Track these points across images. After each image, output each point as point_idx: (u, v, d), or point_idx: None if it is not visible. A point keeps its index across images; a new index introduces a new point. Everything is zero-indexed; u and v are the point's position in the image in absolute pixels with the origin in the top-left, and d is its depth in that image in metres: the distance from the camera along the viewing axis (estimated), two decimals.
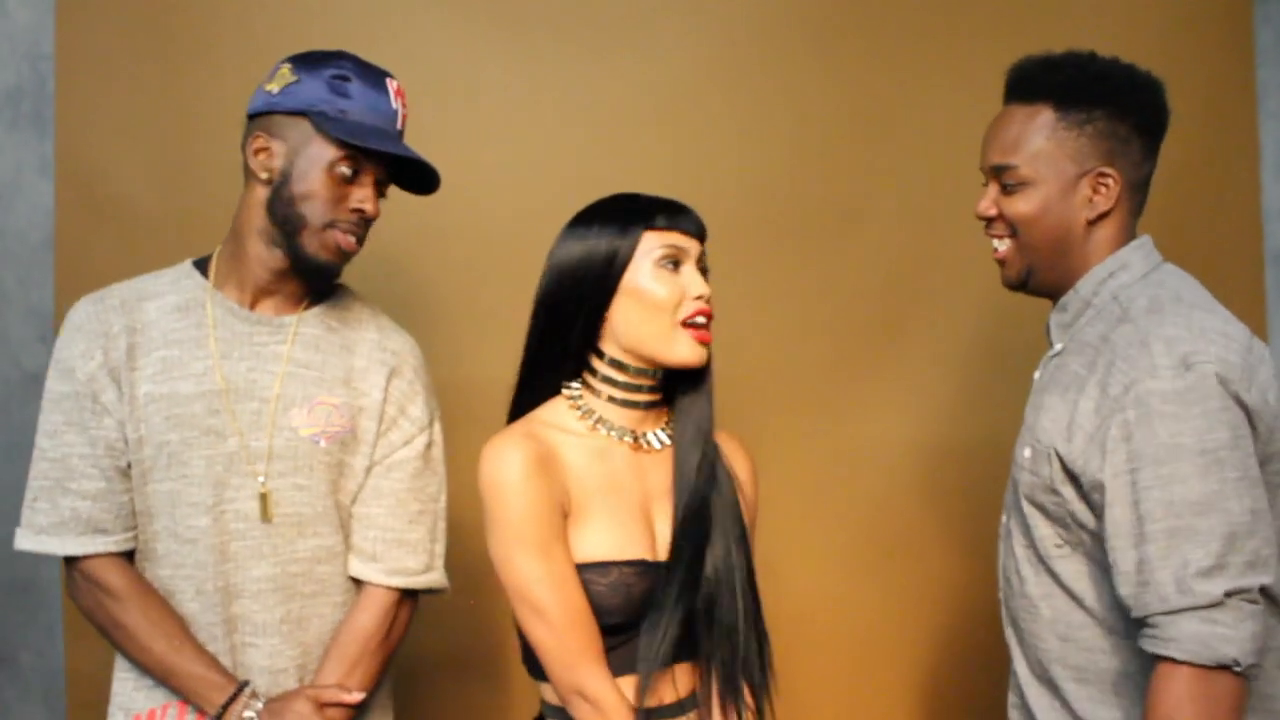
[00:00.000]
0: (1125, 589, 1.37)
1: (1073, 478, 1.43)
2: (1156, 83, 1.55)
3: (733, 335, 2.38)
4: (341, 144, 1.61)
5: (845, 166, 2.42)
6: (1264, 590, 1.35)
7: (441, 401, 1.82)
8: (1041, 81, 1.54)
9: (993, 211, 1.56)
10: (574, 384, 1.60)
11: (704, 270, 1.59)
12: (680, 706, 1.57)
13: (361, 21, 2.34)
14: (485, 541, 1.51)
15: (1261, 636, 1.32)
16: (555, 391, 1.61)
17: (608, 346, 1.56)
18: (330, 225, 1.62)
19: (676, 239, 1.55)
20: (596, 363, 1.58)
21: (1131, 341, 1.41)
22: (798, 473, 2.38)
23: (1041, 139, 1.51)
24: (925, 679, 2.40)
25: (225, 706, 1.59)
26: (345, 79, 1.64)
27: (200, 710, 1.62)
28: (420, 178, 1.70)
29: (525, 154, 2.36)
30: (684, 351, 1.53)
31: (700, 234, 1.59)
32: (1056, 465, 1.44)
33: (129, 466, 1.64)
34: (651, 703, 1.52)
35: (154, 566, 1.66)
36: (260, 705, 1.61)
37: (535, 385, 1.61)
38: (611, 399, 1.58)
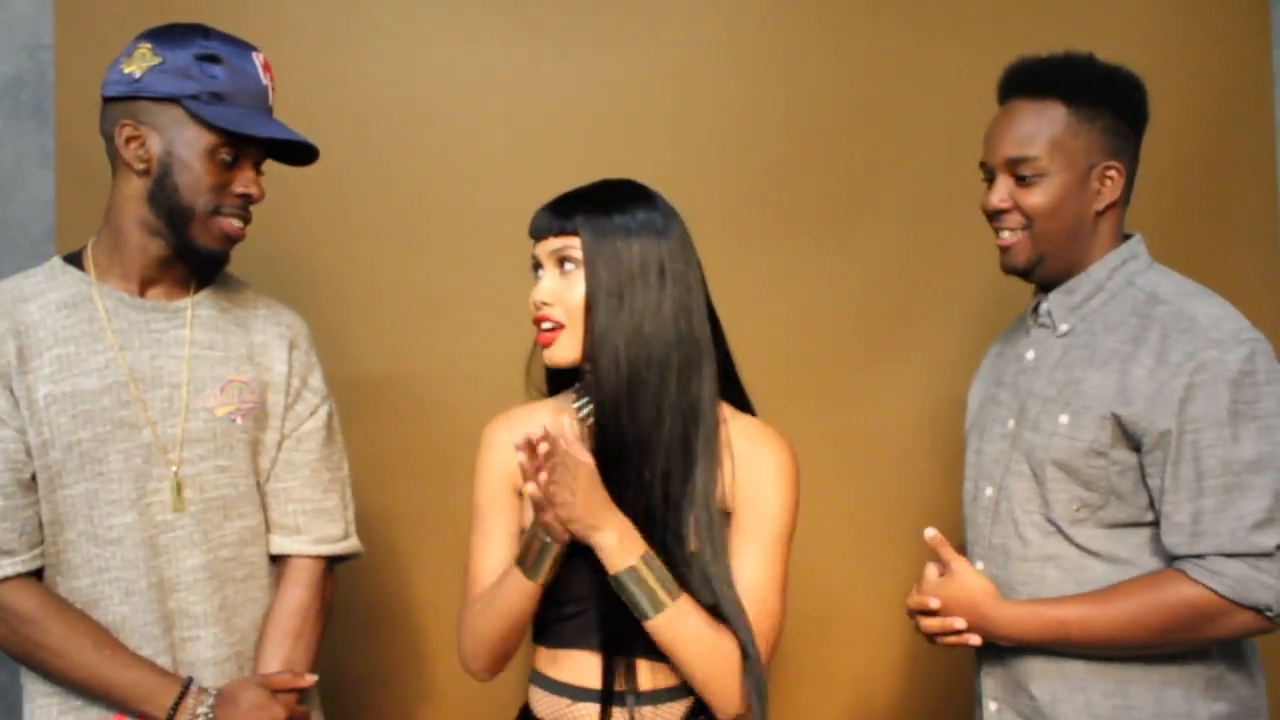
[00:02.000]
0: (1176, 537, 1.48)
1: (1130, 439, 1.51)
2: (1143, 84, 1.64)
3: (740, 322, 2.37)
4: (220, 130, 1.56)
5: (852, 152, 2.40)
6: None
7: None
8: (1051, 79, 1.61)
9: (1008, 204, 1.62)
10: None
11: (570, 265, 1.52)
12: (641, 696, 1.54)
13: (361, 10, 2.32)
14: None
15: None
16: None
17: None
18: (216, 211, 1.59)
19: (535, 249, 1.57)
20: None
21: (1180, 317, 1.53)
22: (808, 458, 2.34)
23: (1057, 132, 1.58)
24: (945, 658, 2.37)
25: (175, 707, 1.53)
26: (212, 58, 1.58)
27: (142, 718, 1.55)
28: (297, 152, 1.66)
29: (527, 142, 2.33)
30: (543, 356, 1.58)
31: (552, 228, 1.53)
32: (1112, 429, 1.53)
33: (33, 478, 1.57)
34: (600, 685, 1.54)
35: (70, 578, 1.58)
36: (211, 699, 1.55)
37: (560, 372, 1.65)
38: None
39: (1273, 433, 1.48)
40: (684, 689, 1.55)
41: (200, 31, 1.60)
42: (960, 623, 1.57)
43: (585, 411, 1.56)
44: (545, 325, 1.54)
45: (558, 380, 1.68)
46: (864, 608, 2.38)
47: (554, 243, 1.54)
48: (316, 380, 1.76)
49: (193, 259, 1.62)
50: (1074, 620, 1.51)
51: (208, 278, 1.70)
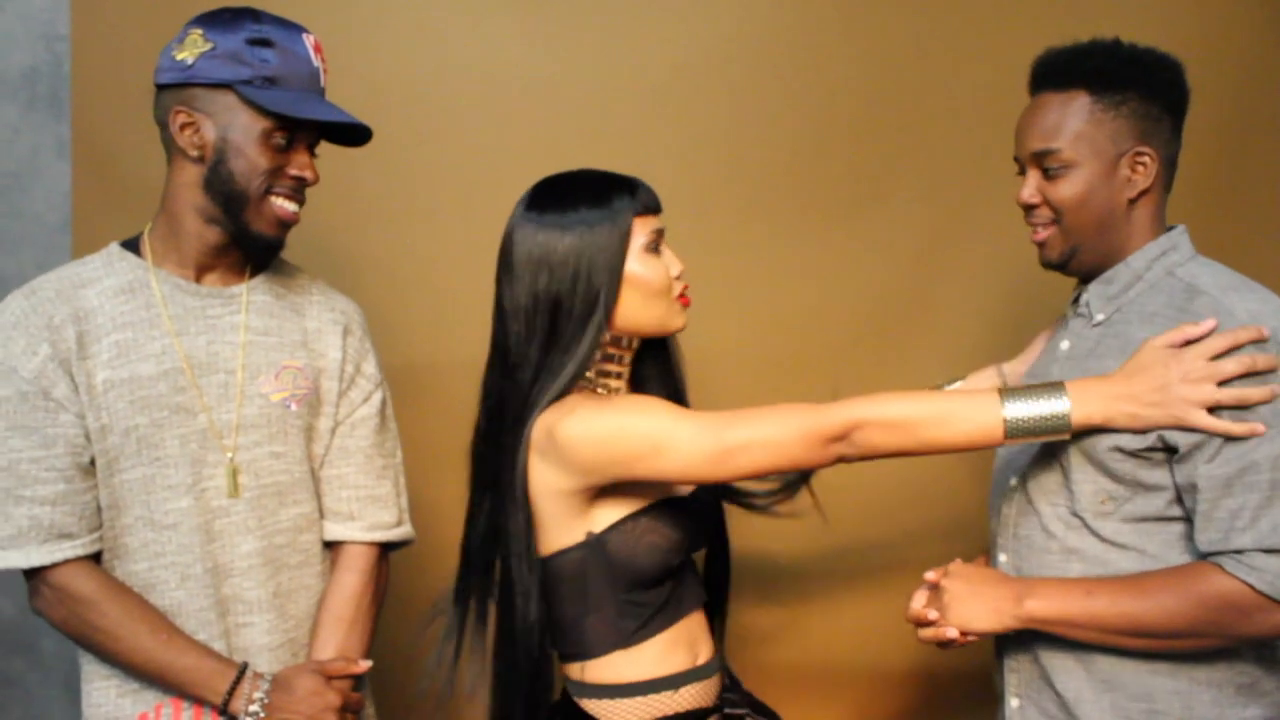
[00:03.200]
0: (1212, 534, 1.44)
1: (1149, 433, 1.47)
2: (1178, 63, 1.61)
3: (755, 312, 2.37)
4: (274, 114, 1.56)
5: (868, 143, 2.39)
6: None
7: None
8: (1074, 69, 1.58)
9: (1037, 199, 1.60)
10: (584, 380, 1.58)
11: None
12: (713, 664, 1.62)
13: (374, 2, 2.31)
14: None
15: None
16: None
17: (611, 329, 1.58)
18: (269, 191, 1.58)
19: (656, 223, 1.58)
20: (606, 347, 1.58)
21: (1218, 311, 1.48)
22: None
23: (1080, 122, 1.56)
24: (964, 652, 2.37)
25: (230, 692, 1.54)
26: (264, 42, 1.57)
27: (199, 703, 1.57)
28: (351, 133, 1.66)
29: (541, 134, 2.32)
30: (679, 322, 1.61)
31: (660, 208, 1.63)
32: None
33: (92, 462, 1.57)
34: (690, 662, 1.58)
35: (127, 562, 1.59)
36: (267, 685, 1.57)
37: (549, 388, 1.53)
38: (620, 375, 1.61)
39: None
40: None
41: (251, 15, 1.59)
42: (952, 632, 1.53)
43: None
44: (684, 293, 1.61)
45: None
46: (881, 599, 2.38)
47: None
48: (370, 367, 1.75)
49: (248, 245, 1.62)
50: (1103, 591, 1.47)
51: (263, 263, 1.70)
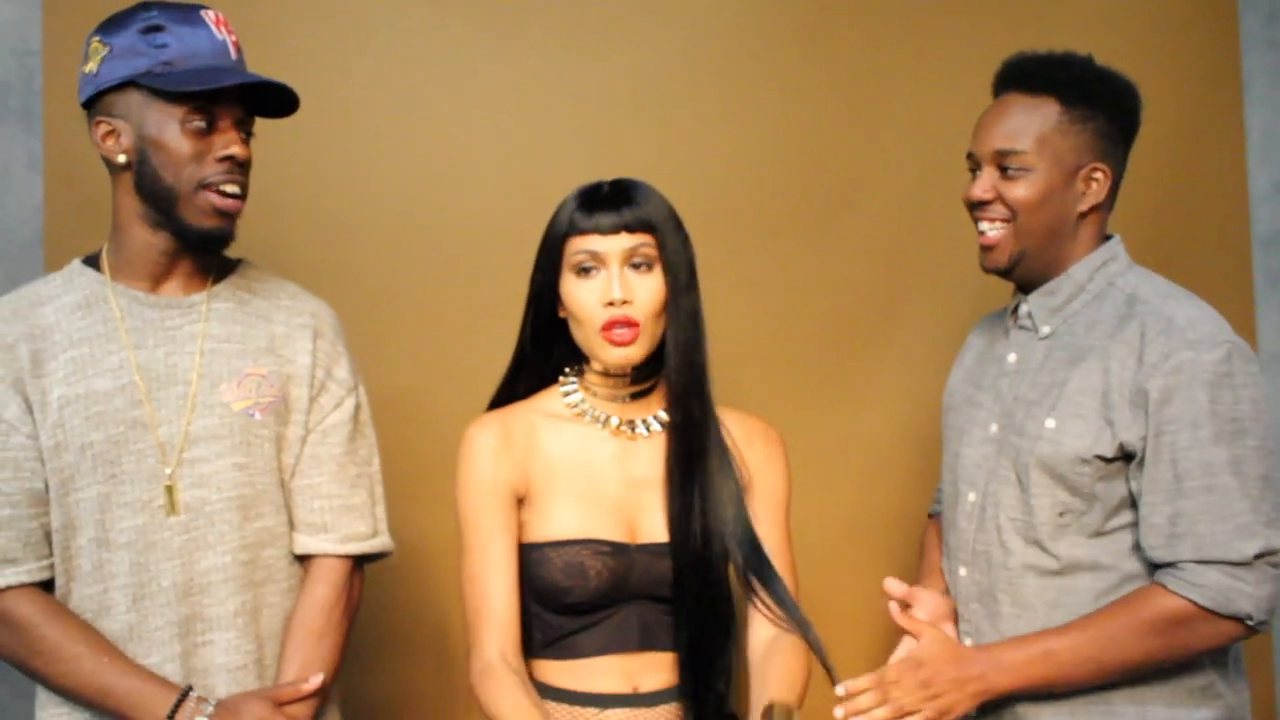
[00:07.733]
0: (1153, 539, 1.47)
1: (1112, 441, 1.51)
2: (1139, 93, 1.64)
3: (726, 325, 2.38)
4: (182, 97, 1.51)
5: (836, 153, 2.42)
6: None
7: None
8: (1048, 76, 1.60)
9: (990, 195, 1.61)
10: (569, 372, 1.62)
11: (643, 264, 1.53)
12: (661, 695, 1.58)
13: (348, 18, 2.32)
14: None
15: (1276, 597, 1.45)
16: (553, 377, 1.64)
17: None
18: (202, 185, 1.54)
19: (590, 243, 1.52)
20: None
21: (1158, 318, 1.52)
22: (794, 462, 2.38)
23: (1048, 129, 1.58)
24: None
25: (171, 715, 1.49)
26: (157, 28, 1.52)
27: None
28: (278, 100, 1.60)
29: (512, 148, 2.34)
30: (606, 356, 1.53)
31: (627, 226, 1.51)
32: (1095, 432, 1.52)
33: (46, 487, 1.54)
34: (627, 689, 1.55)
35: (82, 586, 1.55)
36: (210, 709, 1.51)
37: (527, 374, 1.63)
38: (596, 393, 1.61)
39: (1249, 436, 1.47)
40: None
41: (143, 6, 1.56)
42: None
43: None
44: (621, 328, 1.51)
45: (510, 390, 1.67)
46: (848, 609, 2.39)
47: (627, 240, 1.51)
48: (342, 371, 1.69)
49: (191, 241, 1.57)
50: (1062, 648, 1.49)
51: (223, 267, 1.66)
